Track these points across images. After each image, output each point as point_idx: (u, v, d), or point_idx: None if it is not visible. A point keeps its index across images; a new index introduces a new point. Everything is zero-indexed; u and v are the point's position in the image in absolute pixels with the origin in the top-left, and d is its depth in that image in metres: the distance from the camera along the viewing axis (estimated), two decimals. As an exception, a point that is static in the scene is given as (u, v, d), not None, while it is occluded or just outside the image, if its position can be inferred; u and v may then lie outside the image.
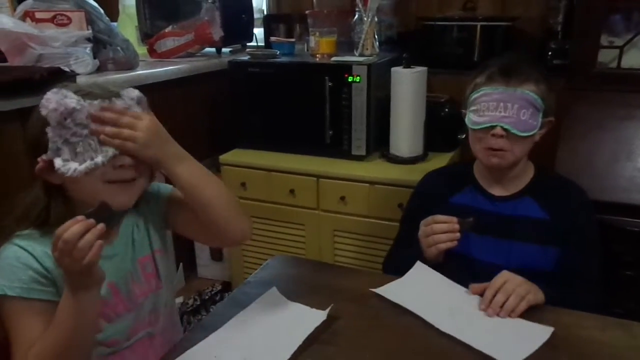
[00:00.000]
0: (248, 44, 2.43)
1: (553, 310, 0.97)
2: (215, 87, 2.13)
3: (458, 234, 1.07)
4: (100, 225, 0.76)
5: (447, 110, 1.93)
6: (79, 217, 0.75)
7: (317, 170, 1.83)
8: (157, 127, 0.88)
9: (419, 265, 1.12)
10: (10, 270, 0.84)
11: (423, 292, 1.05)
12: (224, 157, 1.97)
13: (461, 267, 1.15)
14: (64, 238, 0.73)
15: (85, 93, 0.85)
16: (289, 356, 0.85)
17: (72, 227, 0.74)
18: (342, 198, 1.79)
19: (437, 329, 0.92)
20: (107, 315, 0.91)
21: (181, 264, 2.15)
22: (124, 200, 0.89)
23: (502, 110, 1.12)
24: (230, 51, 2.35)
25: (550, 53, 1.92)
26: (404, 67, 1.77)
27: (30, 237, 0.87)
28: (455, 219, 1.08)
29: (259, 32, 2.45)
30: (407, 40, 2.12)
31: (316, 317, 0.94)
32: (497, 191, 1.22)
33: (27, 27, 1.59)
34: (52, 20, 1.66)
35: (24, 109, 1.31)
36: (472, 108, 1.17)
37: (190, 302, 2.00)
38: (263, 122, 1.98)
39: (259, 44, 2.42)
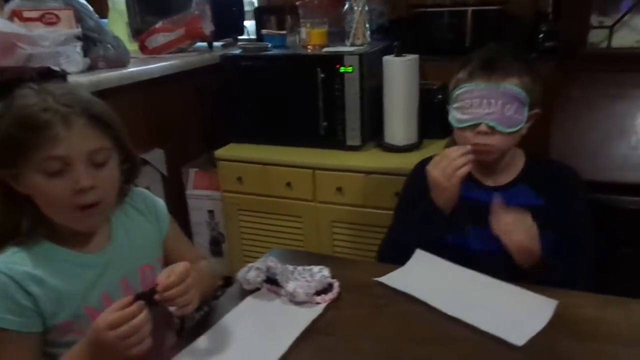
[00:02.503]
0: (239, 37, 2.42)
1: (551, 291, 0.98)
2: (207, 82, 2.12)
3: (471, 156, 1.09)
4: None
5: (440, 96, 1.92)
6: (139, 303, 0.76)
7: (313, 162, 1.82)
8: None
9: (419, 253, 1.13)
10: None
11: (426, 277, 1.05)
12: (219, 152, 1.97)
13: (459, 260, 1.14)
14: (133, 324, 0.73)
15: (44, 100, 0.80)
16: (286, 349, 0.85)
17: (141, 316, 0.74)
18: (339, 189, 1.79)
19: (440, 315, 0.92)
20: None
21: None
22: (94, 222, 0.89)
23: (485, 107, 1.10)
24: (222, 45, 2.34)
25: (541, 35, 1.91)
26: (396, 56, 1.77)
27: (9, 257, 0.82)
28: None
29: (250, 24, 2.43)
30: (398, 28, 2.11)
31: (313, 308, 0.95)
32: (490, 181, 1.21)
33: (15, 27, 1.58)
34: (40, 19, 1.64)
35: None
36: (455, 105, 1.15)
37: (192, 297, 2.01)
38: (257, 115, 1.98)
39: (251, 36, 2.40)
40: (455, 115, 1.15)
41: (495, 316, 0.91)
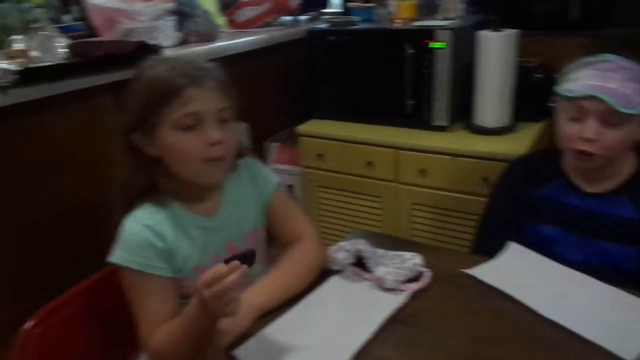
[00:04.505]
0: (325, 10, 2.38)
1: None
2: (292, 56, 2.11)
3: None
4: (244, 268, 0.77)
5: (537, 75, 1.78)
6: (231, 265, 0.76)
7: (396, 141, 1.77)
8: None
9: (514, 246, 1.06)
10: (136, 246, 0.88)
11: (520, 273, 0.99)
12: (301, 128, 1.97)
13: None
14: (223, 285, 0.74)
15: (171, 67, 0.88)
16: (368, 336, 0.83)
17: (231, 277, 0.74)
18: (422, 170, 1.73)
19: (534, 315, 0.86)
20: None
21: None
22: (218, 177, 0.95)
23: (600, 79, 0.98)
24: (307, 19, 2.32)
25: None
26: (493, 31, 1.65)
27: (151, 212, 0.91)
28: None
29: (336, -3, 2.38)
30: (493, 0, 1.97)
31: (398, 296, 0.93)
32: (589, 187, 1.10)
33: (117, 3, 1.65)
34: (138, -6, 1.70)
35: (115, 82, 1.37)
36: (568, 77, 1.05)
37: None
38: (341, 91, 1.95)
39: (336, 10, 2.35)
40: (565, 86, 1.04)
41: (599, 323, 0.83)
